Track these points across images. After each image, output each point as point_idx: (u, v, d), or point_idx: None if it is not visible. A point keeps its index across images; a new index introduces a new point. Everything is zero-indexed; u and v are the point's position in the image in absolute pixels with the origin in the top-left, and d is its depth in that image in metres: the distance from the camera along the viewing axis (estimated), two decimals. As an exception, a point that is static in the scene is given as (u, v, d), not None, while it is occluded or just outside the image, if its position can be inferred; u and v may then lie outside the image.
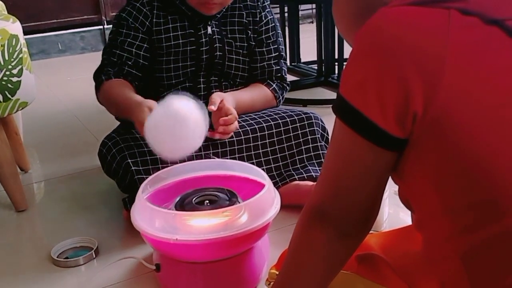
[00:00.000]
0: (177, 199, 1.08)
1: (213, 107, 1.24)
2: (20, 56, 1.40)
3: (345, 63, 2.32)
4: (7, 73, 1.35)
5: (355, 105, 0.60)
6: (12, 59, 1.36)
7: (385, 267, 0.76)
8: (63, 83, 2.71)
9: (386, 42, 0.59)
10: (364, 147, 0.62)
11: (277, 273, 0.90)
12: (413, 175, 0.63)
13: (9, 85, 1.36)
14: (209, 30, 1.37)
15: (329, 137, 1.38)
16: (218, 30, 1.38)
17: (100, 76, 1.31)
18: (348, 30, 0.73)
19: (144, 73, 1.35)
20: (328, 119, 1.41)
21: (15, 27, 1.40)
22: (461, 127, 0.57)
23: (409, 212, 1.23)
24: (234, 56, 1.40)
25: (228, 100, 1.29)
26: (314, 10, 3.47)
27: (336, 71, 2.39)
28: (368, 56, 0.60)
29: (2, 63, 1.33)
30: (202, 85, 1.38)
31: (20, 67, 1.39)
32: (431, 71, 0.57)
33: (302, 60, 2.64)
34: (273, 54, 1.45)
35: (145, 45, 1.33)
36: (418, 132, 0.59)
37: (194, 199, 1.07)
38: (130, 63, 1.32)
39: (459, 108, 0.57)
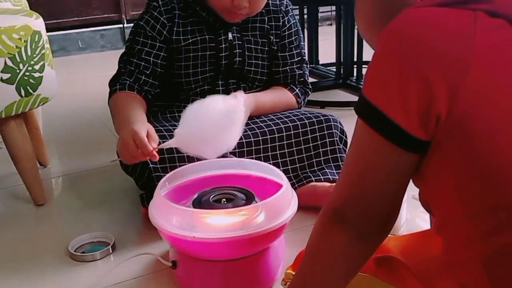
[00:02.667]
0: (195, 196, 1.08)
1: None
2: (43, 52, 1.42)
3: (364, 66, 2.31)
4: (29, 68, 1.37)
5: (378, 105, 0.60)
6: (35, 55, 1.38)
7: (404, 270, 0.75)
8: (83, 80, 2.74)
9: (410, 43, 0.59)
10: (385, 148, 0.61)
11: (293, 273, 0.90)
12: (434, 178, 0.63)
13: (31, 80, 1.38)
14: (230, 36, 1.37)
15: (347, 140, 1.39)
16: (238, 35, 1.38)
17: (115, 85, 1.32)
18: (370, 31, 0.73)
19: (162, 80, 1.36)
20: (346, 121, 1.41)
21: (38, 23, 1.42)
22: (483, 131, 0.57)
23: (426, 218, 1.23)
24: (253, 61, 1.40)
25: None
26: (333, 13, 3.45)
27: (355, 74, 2.38)
28: (391, 56, 0.60)
29: (25, 58, 1.35)
30: (220, 88, 1.38)
31: (42, 63, 1.41)
32: (455, 73, 0.57)
33: (321, 62, 2.63)
34: (296, 59, 1.45)
35: (162, 54, 1.34)
36: (441, 134, 0.58)
37: (211, 197, 1.07)
38: (147, 72, 1.32)
39: (482, 111, 0.57)
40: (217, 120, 1.07)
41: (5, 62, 1.31)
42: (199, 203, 1.06)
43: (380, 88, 0.60)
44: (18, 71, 1.34)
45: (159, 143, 1.11)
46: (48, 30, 1.49)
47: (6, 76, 1.32)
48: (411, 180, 0.67)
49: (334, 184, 1.28)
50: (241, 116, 1.12)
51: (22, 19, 1.37)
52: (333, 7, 3.20)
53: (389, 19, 0.62)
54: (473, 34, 0.57)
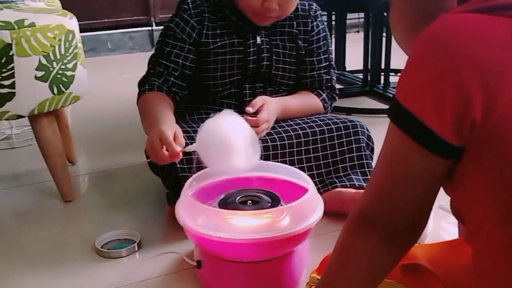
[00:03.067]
0: (221, 197, 1.09)
1: (250, 109, 1.25)
2: (75, 51, 1.45)
3: (391, 73, 2.29)
4: (62, 67, 1.40)
5: (411, 109, 0.60)
6: (68, 54, 1.41)
7: (431, 278, 0.74)
8: (111, 81, 2.78)
9: (447, 49, 0.59)
10: (417, 153, 0.61)
11: (318, 277, 0.90)
12: (467, 185, 0.62)
13: (64, 78, 1.41)
14: (258, 40, 1.38)
15: (374, 147, 1.38)
16: (267, 39, 1.39)
17: (144, 85, 1.34)
18: (405, 37, 0.73)
19: (190, 82, 1.37)
20: (373, 128, 1.41)
21: (72, 23, 1.45)
22: None
23: (450, 230, 1.21)
24: (281, 65, 1.41)
25: (270, 106, 1.30)
26: (361, 20, 3.45)
27: (382, 81, 2.37)
28: (427, 61, 0.60)
29: (58, 57, 1.38)
30: (248, 91, 1.39)
31: (74, 61, 1.44)
32: (492, 80, 0.57)
33: (347, 69, 2.63)
34: (324, 64, 1.45)
35: (191, 56, 1.35)
36: (475, 140, 0.58)
37: (237, 198, 1.08)
38: (176, 73, 1.34)
39: None
40: (221, 150, 1.04)
41: (40, 60, 1.34)
42: (225, 204, 1.07)
43: (415, 93, 0.60)
44: (51, 69, 1.37)
45: (186, 145, 1.12)
46: (79, 30, 1.52)
47: (40, 73, 1.35)
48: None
49: (360, 190, 1.28)
50: (243, 140, 1.06)
51: (57, 19, 1.40)
52: (361, 14, 3.19)
53: (425, 24, 0.61)
54: (510, 42, 0.57)
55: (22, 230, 1.35)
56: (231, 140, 1.03)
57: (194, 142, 1.16)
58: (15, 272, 1.15)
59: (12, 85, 1.32)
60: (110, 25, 3.40)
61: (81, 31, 1.55)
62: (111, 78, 2.83)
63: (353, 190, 1.29)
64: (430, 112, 0.59)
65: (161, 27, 1.42)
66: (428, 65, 0.59)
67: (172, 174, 1.23)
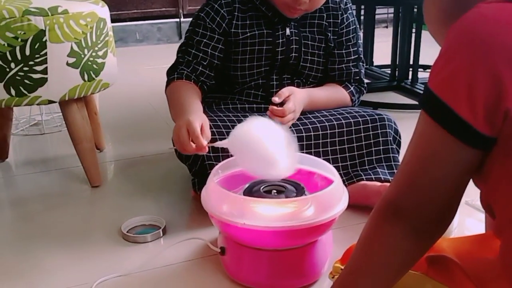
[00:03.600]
0: (246, 186, 1.10)
1: (276, 99, 1.25)
2: (106, 39, 1.47)
3: (419, 69, 2.26)
4: (93, 54, 1.42)
5: (443, 98, 0.60)
6: (99, 41, 1.44)
7: (457, 270, 0.74)
8: (138, 71, 2.81)
9: (481, 38, 0.58)
10: (448, 142, 0.61)
11: (342, 267, 0.90)
12: (498, 177, 0.61)
13: (94, 65, 1.43)
14: (287, 31, 1.38)
15: (401, 141, 1.37)
16: (296, 31, 1.39)
17: (173, 74, 1.35)
18: (439, 27, 0.72)
19: (218, 72, 1.38)
20: (400, 124, 1.40)
21: (103, 11, 1.47)
22: None
23: (475, 228, 1.20)
24: (309, 57, 1.41)
25: (297, 97, 1.29)
26: (390, 15, 3.41)
27: (410, 76, 2.34)
28: (461, 50, 0.59)
29: (90, 44, 1.41)
30: (275, 82, 1.39)
31: (105, 49, 1.46)
32: None
33: (375, 64, 2.61)
34: (353, 57, 1.45)
35: (220, 46, 1.36)
36: (508, 131, 0.57)
37: (262, 187, 1.08)
38: (204, 63, 1.35)
39: None
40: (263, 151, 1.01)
41: (72, 47, 1.37)
42: (250, 193, 1.07)
43: (447, 82, 0.60)
44: (83, 56, 1.39)
45: (212, 141, 1.12)
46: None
47: (71, 60, 1.38)
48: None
49: (385, 184, 1.27)
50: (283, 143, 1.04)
51: (89, 6, 1.42)
52: (390, 10, 3.16)
53: (460, 14, 0.61)
54: None
55: (50, 213, 1.38)
56: (269, 152, 1.01)
57: (221, 133, 1.17)
58: (42, 251, 1.18)
59: (45, 71, 1.35)
60: (138, 16, 3.43)
61: (111, 21, 1.57)
62: (139, 68, 2.86)
63: (378, 184, 1.28)
64: (462, 101, 0.58)
65: (189, 19, 1.43)
66: (462, 54, 0.59)
67: (198, 162, 1.24)
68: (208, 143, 1.12)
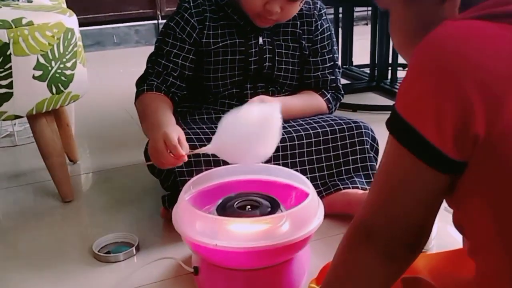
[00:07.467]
0: (219, 202, 1.07)
1: None
2: (75, 49, 1.42)
3: (399, 68, 2.23)
4: (61, 66, 1.38)
5: (411, 122, 0.57)
6: (67, 52, 1.39)
7: (432, 293, 0.72)
8: (116, 75, 2.76)
9: (448, 58, 0.55)
10: (417, 168, 0.58)
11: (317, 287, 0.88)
12: (469, 201, 0.59)
13: (63, 77, 1.39)
14: (260, 40, 1.35)
15: (379, 148, 1.34)
16: (269, 40, 1.36)
17: (142, 85, 1.31)
18: (405, 45, 0.69)
19: (190, 82, 1.34)
20: (379, 126, 1.36)
21: (71, 20, 1.42)
22: None
23: (456, 233, 1.17)
24: (283, 66, 1.38)
25: None
26: (369, 12, 3.39)
27: (389, 76, 2.32)
28: (427, 71, 0.57)
29: (57, 55, 1.36)
30: (249, 91, 1.36)
31: (74, 60, 1.42)
32: (495, 92, 0.53)
33: (354, 63, 2.58)
34: (328, 64, 1.42)
35: (191, 56, 1.32)
36: (478, 155, 0.55)
37: (236, 203, 1.05)
38: (175, 74, 1.31)
39: None
40: (252, 129, 1.05)
41: (38, 59, 1.32)
42: (223, 209, 1.04)
43: (414, 104, 0.57)
44: (50, 68, 1.35)
45: (194, 148, 1.11)
46: (84, 24, 1.50)
47: (38, 73, 1.33)
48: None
49: (366, 191, 1.25)
50: (277, 124, 1.09)
51: (55, 17, 1.38)
52: (370, 7, 3.14)
53: (425, 32, 0.58)
54: None
55: (20, 231, 1.33)
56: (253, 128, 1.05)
57: (195, 147, 1.13)
58: (10, 274, 1.14)
59: (10, 85, 1.30)
60: (115, 19, 3.37)
61: (86, 25, 1.53)
62: (115, 73, 2.81)
63: (360, 191, 1.25)
64: (430, 124, 0.56)
65: (163, 25, 1.39)
66: (429, 76, 0.56)
67: (171, 178, 1.21)
68: (186, 154, 1.09)
